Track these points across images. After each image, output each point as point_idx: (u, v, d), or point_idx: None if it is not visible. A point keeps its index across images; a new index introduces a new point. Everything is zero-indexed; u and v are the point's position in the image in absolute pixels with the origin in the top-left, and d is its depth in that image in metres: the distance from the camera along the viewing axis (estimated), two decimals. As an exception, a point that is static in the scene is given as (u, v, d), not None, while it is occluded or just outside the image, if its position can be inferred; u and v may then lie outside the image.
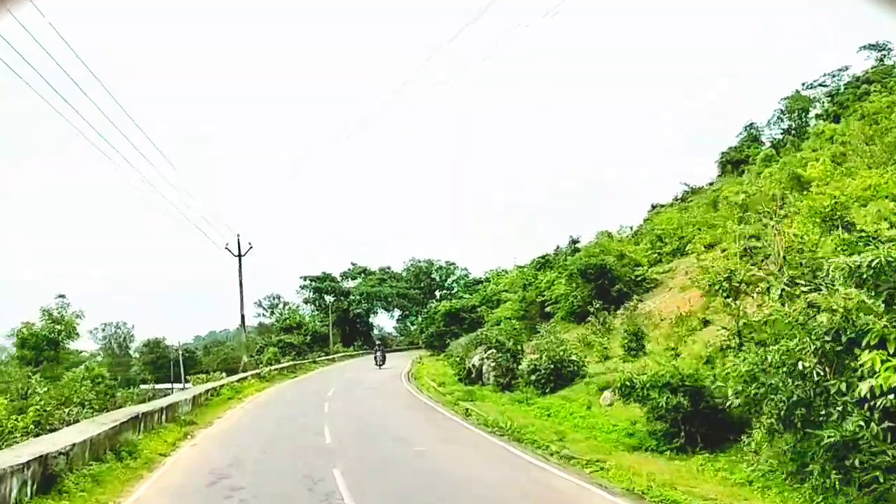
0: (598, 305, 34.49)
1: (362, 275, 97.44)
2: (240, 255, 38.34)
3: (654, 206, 76.68)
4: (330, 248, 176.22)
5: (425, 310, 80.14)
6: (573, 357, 23.87)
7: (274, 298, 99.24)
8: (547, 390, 23.16)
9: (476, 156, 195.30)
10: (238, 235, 39.06)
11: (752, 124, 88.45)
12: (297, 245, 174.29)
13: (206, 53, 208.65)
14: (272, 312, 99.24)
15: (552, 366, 23.31)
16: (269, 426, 20.02)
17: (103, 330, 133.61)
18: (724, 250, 31.54)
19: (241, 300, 38.65)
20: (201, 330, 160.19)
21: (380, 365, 44.90)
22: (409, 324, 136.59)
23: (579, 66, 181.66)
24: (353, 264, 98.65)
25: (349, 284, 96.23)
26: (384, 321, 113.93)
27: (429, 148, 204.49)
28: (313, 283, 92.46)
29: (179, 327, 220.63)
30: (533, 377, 23.85)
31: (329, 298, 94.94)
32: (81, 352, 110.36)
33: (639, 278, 41.18)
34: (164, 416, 17.34)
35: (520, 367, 27.28)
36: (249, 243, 39.24)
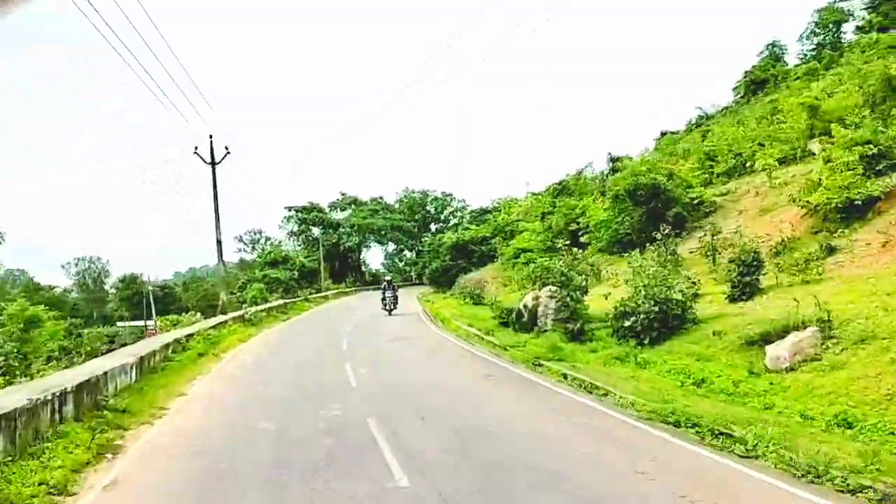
0: (664, 230, 27.64)
1: (352, 206, 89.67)
2: (213, 163, 30.03)
3: (663, 134, 69.05)
4: (317, 179, 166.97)
5: (424, 243, 73.23)
6: (677, 295, 17.01)
7: (256, 233, 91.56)
8: (646, 341, 16.50)
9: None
10: (210, 137, 30.33)
11: (773, 43, 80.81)
12: (283, 174, 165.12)
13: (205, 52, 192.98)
14: (254, 248, 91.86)
15: (656, 308, 16.52)
16: (265, 421, 10.87)
17: (76, 265, 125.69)
18: (827, 160, 24.69)
19: (217, 218, 30.71)
20: (181, 266, 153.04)
21: (390, 310, 37.30)
22: (396, 260, 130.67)
23: (579, 65, 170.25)
24: (343, 194, 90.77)
25: (338, 216, 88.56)
26: (377, 256, 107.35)
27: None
28: (299, 214, 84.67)
29: (157, 263, 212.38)
30: (626, 323, 17.11)
31: (316, 231, 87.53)
32: (53, 287, 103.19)
33: (695, 201, 34.22)
34: (69, 408, 9.41)
35: (586, 308, 20.60)
36: (226, 148, 30.71)
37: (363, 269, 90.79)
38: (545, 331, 20.61)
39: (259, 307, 36.54)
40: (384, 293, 37.44)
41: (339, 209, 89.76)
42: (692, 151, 43.03)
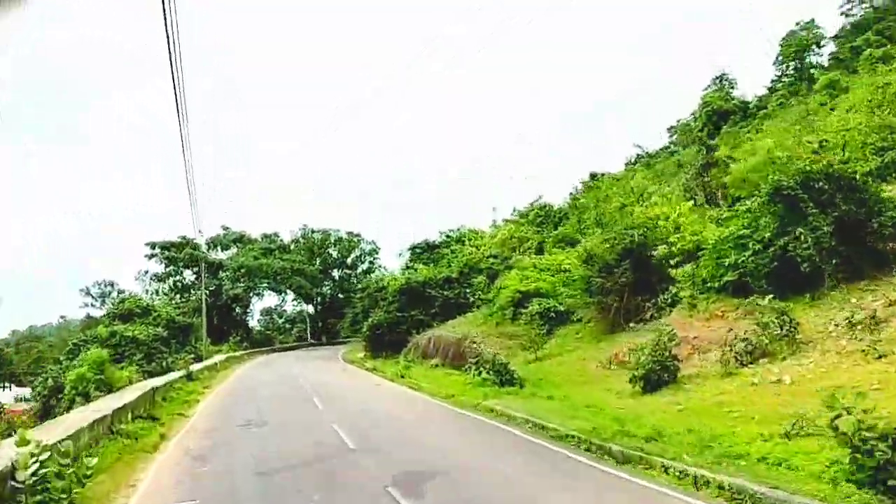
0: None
1: (238, 244, 70.08)
2: None
3: (593, 175, 57.96)
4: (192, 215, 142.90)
5: (327, 292, 55.93)
6: None
7: (106, 286, 68.95)
8: None
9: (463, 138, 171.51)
10: None
11: (722, 76, 75.57)
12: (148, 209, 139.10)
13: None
14: (103, 302, 69.11)
15: None
16: None
17: None
18: None
19: None
20: (20, 323, 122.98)
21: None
22: (275, 317, 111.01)
23: (571, 56, 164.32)
24: (226, 228, 70.89)
25: (220, 256, 68.57)
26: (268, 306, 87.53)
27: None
28: (165, 252, 63.88)
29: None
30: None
31: (189, 275, 66.93)
32: None
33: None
34: None
35: None
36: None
37: (250, 324, 70.66)
38: None
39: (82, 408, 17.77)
40: None
41: (220, 247, 69.76)
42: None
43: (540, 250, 37.51)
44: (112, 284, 72.86)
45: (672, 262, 23.58)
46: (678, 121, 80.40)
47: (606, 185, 47.85)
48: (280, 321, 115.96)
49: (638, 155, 71.61)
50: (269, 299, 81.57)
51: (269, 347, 65.52)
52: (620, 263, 26.42)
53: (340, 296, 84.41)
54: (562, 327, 30.00)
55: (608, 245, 28.07)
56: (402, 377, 26.66)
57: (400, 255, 49.19)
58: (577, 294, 28.72)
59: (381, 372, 31.55)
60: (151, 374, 30.45)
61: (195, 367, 29.72)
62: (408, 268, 45.41)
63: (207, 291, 66.09)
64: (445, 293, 39.50)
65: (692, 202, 25.31)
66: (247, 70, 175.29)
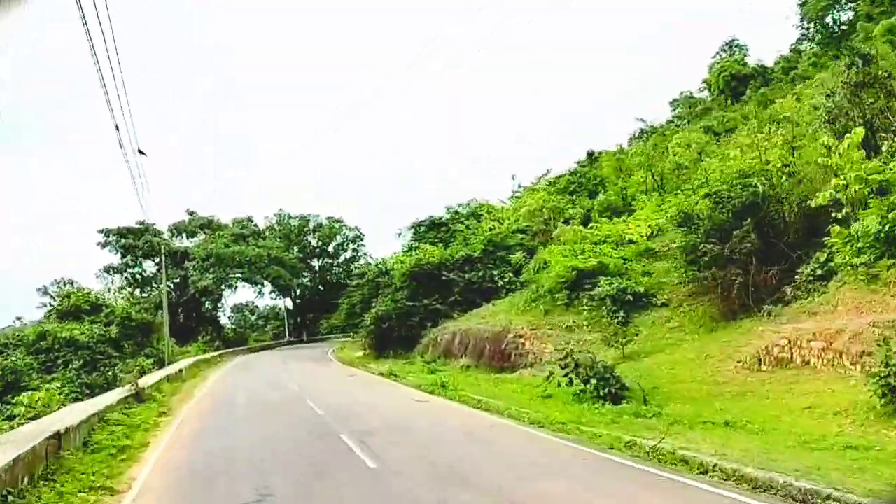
0: None
1: (206, 229, 61.37)
2: None
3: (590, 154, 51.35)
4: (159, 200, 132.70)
5: (355, 275, 47.94)
6: None
7: (65, 284, 59.36)
8: None
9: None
10: None
11: (733, 41, 70.16)
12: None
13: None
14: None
15: None
16: None
17: None
18: None
19: None
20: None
21: None
22: (247, 313, 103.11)
23: (572, 56, 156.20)
24: (191, 213, 62.06)
25: (184, 243, 59.86)
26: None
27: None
28: (121, 240, 54.99)
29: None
30: None
31: (151, 266, 58.22)
32: None
33: None
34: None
35: None
36: None
37: (221, 321, 62.01)
38: None
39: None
40: None
41: (185, 234, 60.98)
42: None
43: (586, 221, 30.25)
44: (72, 283, 63.41)
45: (835, 216, 16.39)
46: (681, 93, 74.33)
47: (636, 151, 41.12)
48: (253, 318, 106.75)
49: (641, 129, 65.06)
50: (243, 293, 73.11)
51: (245, 347, 57.23)
52: (740, 224, 19.26)
53: (321, 288, 76.19)
54: (641, 314, 22.80)
55: (713, 202, 20.90)
56: (444, 387, 19.11)
57: (399, 234, 41.66)
58: (674, 268, 21.55)
59: (402, 379, 23.92)
60: (92, 390, 22.37)
61: (150, 378, 21.65)
62: (411, 249, 37.69)
63: (171, 284, 57.39)
64: (467, 276, 31.98)
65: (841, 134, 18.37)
66: (247, 70, 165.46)
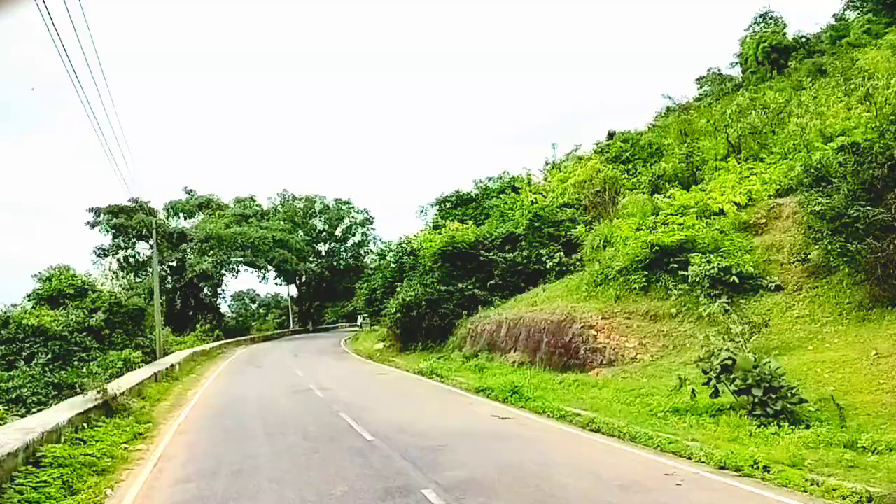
0: None
1: (206, 209, 56.57)
2: None
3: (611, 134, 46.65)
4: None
5: (378, 254, 43.12)
6: None
7: (61, 270, 54.67)
8: None
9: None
10: None
11: (767, 13, 64.49)
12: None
13: None
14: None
15: None
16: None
17: None
18: None
19: None
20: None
21: None
22: (248, 301, 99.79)
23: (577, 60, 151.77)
24: (189, 192, 57.21)
25: (181, 223, 55.10)
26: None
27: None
28: (112, 219, 50.20)
29: None
30: None
31: (145, 248, 53.48)
32: None
33: None
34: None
35: None
36: None
37: (222, 309, 57.32)
38: None
39: None
40: None
41: (182, 214, 56.15)
42: None
43: (654, 191, 25.49)
44: (67, 269, 58.70)
45: None
46: (708, 70, 69.28)
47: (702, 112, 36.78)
48: (254, 306, 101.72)
49: (668, 107, 60.37)
50: (245, 280, 68.33)
51: (248, 337, 52.63)
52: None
53: (328, 274, 71.47)
54: (749, 300, 18.11)
55: (849, 155, 16.15)
56: (516, 394, 14.44)
57: (422, 212, 36.77)
58: (793, 243, 16.85)
59: (448, 379, 19.29)
60: (59, 391, 17.70)
61: (132, 377, 16.96)
62: (437, 227, 32.92)
63: (168, 268, 52.69)
64: (509, 257, 27.25)
65: None
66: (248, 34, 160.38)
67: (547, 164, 37.05)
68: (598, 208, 28.09)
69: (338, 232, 72.66)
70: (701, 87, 68.56)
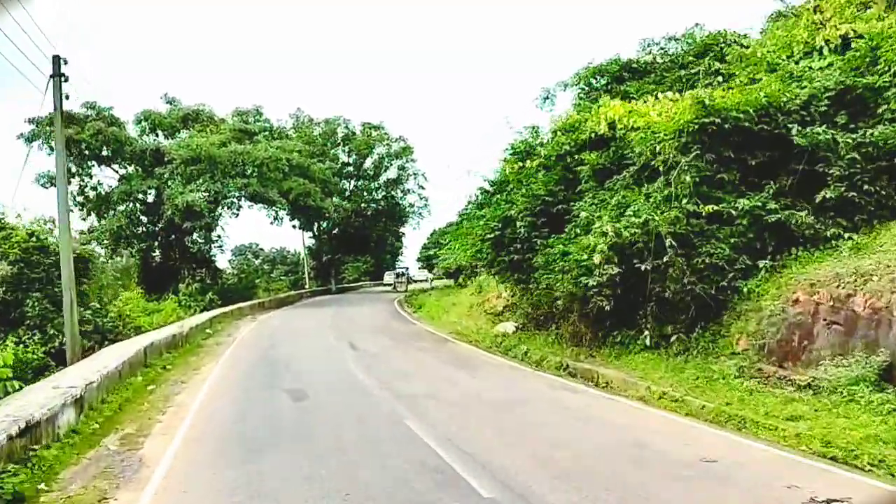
0: None
1: (193, 123, 40.36)
2: None
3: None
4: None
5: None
6: None
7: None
8: None
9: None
10: None
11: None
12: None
13: None
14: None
15: None
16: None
17: None
18: None
19: None
20: None
21: None
22: (250, 256, 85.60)
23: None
24: (171, 100, 40.85)
25: (160, 141, 38.96)
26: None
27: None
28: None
29: None
30: None
31: (110, 177, 37.75)
32: None
33: None
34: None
35: None
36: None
37: (215, 261, 41.46)
38: None
39: None
40: None
41: (160, 131, 39.98)
42: None
43: None
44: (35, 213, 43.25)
45: None
46: None
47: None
48: (257, 262, 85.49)
49: (778, 11, 42.77)
50: (250, 218, 52.38)
51: (255, 301, 37.25)
52: None
53: (355, 219, 55.81)
54: None
55: None
56: None
57: (546, 98, 20.97)
58: None
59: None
60: None
61: None
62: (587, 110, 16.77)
63: (140, 203, 37.09)
64: (860, 136, 11.65)
65: None
66: None
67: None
68: None
69: (366, 165, 56.62)
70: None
